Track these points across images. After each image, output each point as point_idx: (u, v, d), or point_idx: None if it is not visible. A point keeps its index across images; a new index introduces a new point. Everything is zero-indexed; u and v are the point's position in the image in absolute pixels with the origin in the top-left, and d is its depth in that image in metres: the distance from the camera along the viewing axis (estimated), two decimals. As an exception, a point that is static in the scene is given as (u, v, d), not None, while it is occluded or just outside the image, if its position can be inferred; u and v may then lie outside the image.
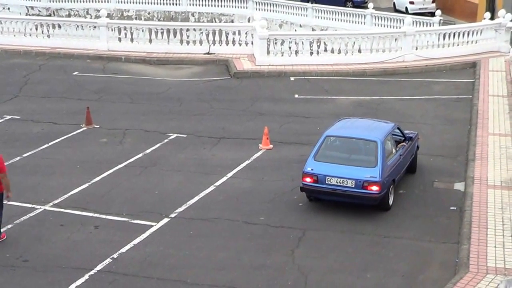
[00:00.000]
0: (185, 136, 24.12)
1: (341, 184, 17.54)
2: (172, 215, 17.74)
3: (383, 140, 18.29)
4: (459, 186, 19.54)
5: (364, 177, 17.44)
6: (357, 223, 17.30)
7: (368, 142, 18.34)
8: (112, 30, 37.98)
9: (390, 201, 18.23)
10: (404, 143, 19.72)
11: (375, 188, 17.38)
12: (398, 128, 20.00)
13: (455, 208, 18.07)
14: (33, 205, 18.40)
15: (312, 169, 17.88)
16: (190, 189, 19.40)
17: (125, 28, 38.08)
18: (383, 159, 17.83)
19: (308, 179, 17.89)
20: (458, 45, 36.47)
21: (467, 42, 36.67)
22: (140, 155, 22.23)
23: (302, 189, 18.21)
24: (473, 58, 35.24)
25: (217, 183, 19.89)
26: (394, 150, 18.80)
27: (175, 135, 24.16)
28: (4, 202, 16.54)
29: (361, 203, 17.87)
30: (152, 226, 17.13)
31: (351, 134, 18.90)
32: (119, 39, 37.91)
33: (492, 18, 38.99)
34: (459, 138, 23.65)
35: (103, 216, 17.72)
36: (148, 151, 22.60)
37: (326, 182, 17.67)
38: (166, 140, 23.66)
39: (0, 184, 16.28)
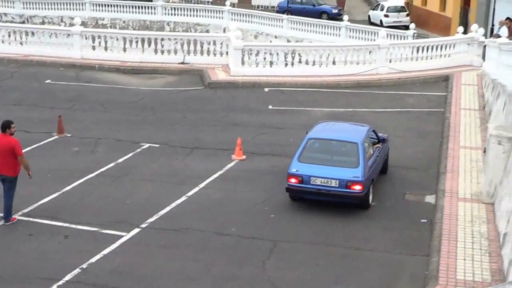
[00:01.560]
0: (157, 145, 24.05)
1: (326, 184, 18.30)
2: (143, 225, 17.65)
3: (363, 141, 19.24)
4: (430, 198, 19.62)
5: (347, 177, 18.21)
6: (328, 235, 17.31)
7: (349, 144, 19.22)
8: (86, 38, 37.89)
9: (370, 200, 18.98)
10: (379, 145, 20.55)
11: (358, 187, 18.18)
12: (373, 131, 20.79)
13: (425, 220, 18.13)
14: (2, 214, 18.17)
15: (297, 170, 18.59)
16: (162, 199, 19.32)
17: (99, 37, 38.00)
18: (364, 159, 18.68)
19: (293, 180, 18.60)
20: (431, 58, 36.73)
21: (440, 55, 36.94)
22: (112, 164, 22.14)
23: (287, 189, 18.87)
24: (446, 71, 35.48)
25: (189, 194, 19.84)
26: (371, 151, 19.64)
27: (147, 145, 24.09)
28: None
29: (344, 202, 18.57)
30: (122, 236, 17.03)
31: (332, 137, 19.83)
32: (93, 48, 37.83)
33: (465, 32, 39.31)
34: (431, 151, 23.77)
35: (73, 226, 17.60)
36: (120, 160, 22.51)
37: (311, 183, 18.39)
38: (138, 150, 23.58)
39: (17, 166, 17.56)
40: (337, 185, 18.24)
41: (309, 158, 18.94)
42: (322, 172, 18.43)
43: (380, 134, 21.31)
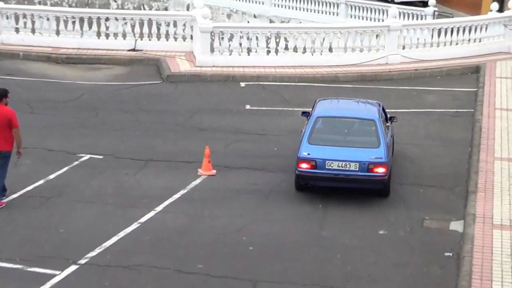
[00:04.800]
0: (101, 157, 24.01)
1: (344, 168, 20.25)
2: (82, 261, 17.54)
3: (379, 118, 21.40)
4: (456, 225, 19.66)
5: (369, 159, 20.23)
6: (323, 274, 17.27)
7: (365, 121, 21.36)
8: (7, 18, 37.72)
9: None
10: (388, 123, 22.32)
11: (381, 170, 20.23)
12: (383, 108, 22.65)
13: (451, 254, 18.16)
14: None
15: (308, 154, 20.48)
16: (106, 227, 19.24)
17: (24, 15, 37.83)
18: (385, 138, 20.78)
19: (304, 165, 20.48)
20: (457, 44, 36.92)
21: (469, 40, 37.14)
22: (41, 181, 22.05)
23: (298, 176, 20.85)
24: (476, 60, 35.72)
25: (143, 220, 19.78)
26: (386, 130, 21.29)
27: (88, 156, 24.03)
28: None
29: (366, 187, 20.73)
30: (55, 275, 16.89)
31: (345, 114, 22.05)
32: (16, 30, 37.69)
33: (500, 10, 39.50)
34: (457, 163, 23.86)
35: (-10, 263, 17.51)
36: (51, 176, 22.43)
37: (326, 167, 20.30)
38: (76, 163, 23.52)
39: (11, 142, 20.13)
40: (357, 169, 20.15)
41: (320, 139, 20.85)
42: (339, 154, 20.33)
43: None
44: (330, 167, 20.24)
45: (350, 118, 21.70)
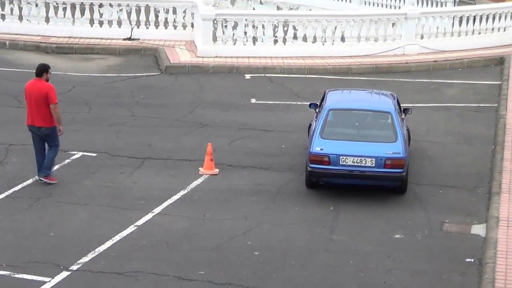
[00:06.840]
0: (94, 155, 24.06)
1: (359, 164, 20.66)
2: (74, 267, 17.55)
3: (395, 110, 21.79)
4: (478, 229, 19.67)
5: (386, 154, 20.61)
6: (333, 281, 17.26)
7: (381, 114, 21.89)
8: (-9, 4, 37.77)
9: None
10: (403, 116, 22.61)
11: (399, 166, 20.54)
12: (397, 99, 23.52)
13: (472, 260, 18.16)
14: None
15: (321, 149, 20.83)
16: (100, 231, 19.26)
17: (11, 1, 37.80)
18: (402, 131, 21.18)
19: (317, 161, 20.78)
20: (479, 33, 36.87)
21: (493, 29, 37.08)
22: (30, 181, 22.07)
23: (310, 173, 21.09)
24: (500, 51, 35.69)
25: (140, 222, 19.81)
26: (402, 123, 21.57)
27: (80, 154, 24.08)
28: None
29: (382, 185, 21.27)
30: (44, 282, 16.89)
31: (359, 106, 22.52)
32: (2, 17, 37.71)
33: (527, -4, 39.45)
34: (479, 162, 23.89)
35: (-25, 269, 17.55)
36: (41, 175, 22.45)
37: (340, 163, 20.74)
38: (67, 161, 23.57)
39: (50, 118, 21.37)
40: (373, 165, 20.53)
41: (334, 133, 21.25)
42: (354, 149, 20.74)
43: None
44: (344, 163, 20.60)
45: (365, 110, 22.17)
